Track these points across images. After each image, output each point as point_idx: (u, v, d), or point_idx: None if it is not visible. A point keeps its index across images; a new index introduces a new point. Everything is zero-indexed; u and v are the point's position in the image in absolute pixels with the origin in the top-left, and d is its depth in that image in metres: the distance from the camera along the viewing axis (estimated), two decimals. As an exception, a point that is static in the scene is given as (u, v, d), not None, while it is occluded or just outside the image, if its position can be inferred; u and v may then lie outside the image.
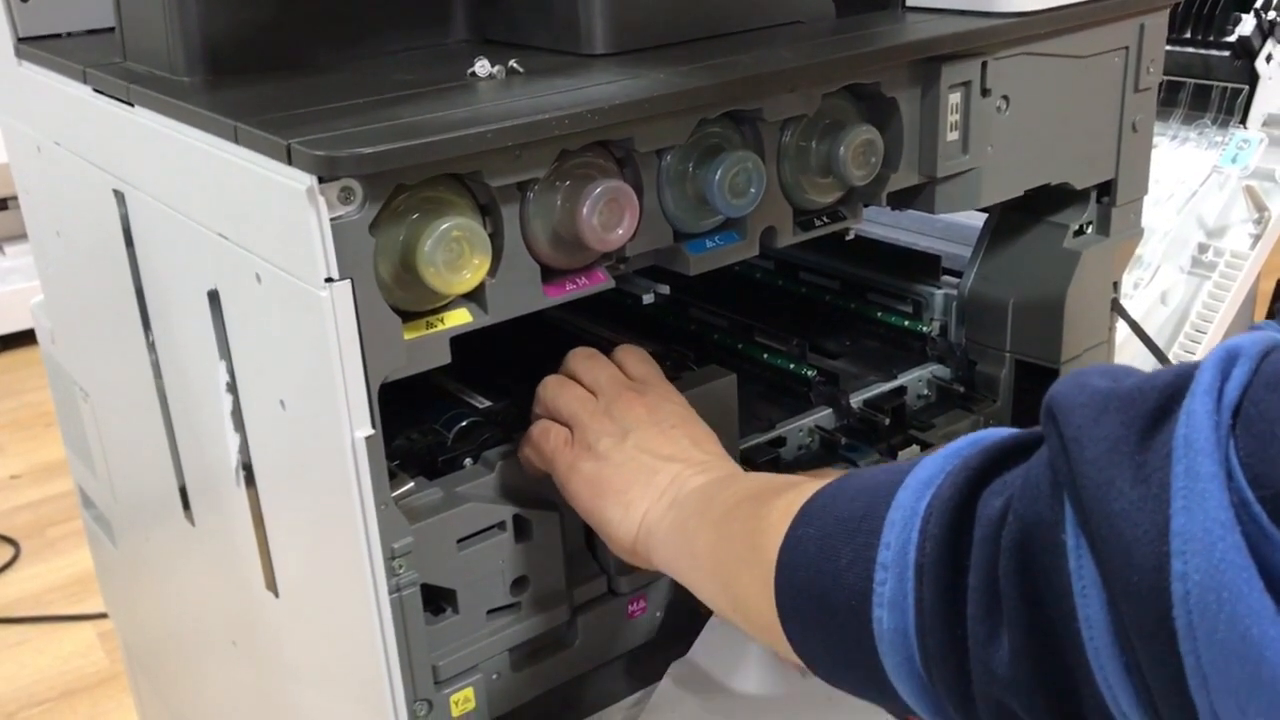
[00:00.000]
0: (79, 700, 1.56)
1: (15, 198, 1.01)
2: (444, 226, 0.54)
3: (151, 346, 0.77)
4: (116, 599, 1.20)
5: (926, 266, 0.93)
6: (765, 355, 0.88)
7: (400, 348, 0.55)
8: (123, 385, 0.88)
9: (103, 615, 1.69)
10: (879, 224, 1.05)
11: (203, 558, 0.82)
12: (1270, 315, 1.95)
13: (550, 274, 0.61)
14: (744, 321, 0.92)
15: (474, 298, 0.59)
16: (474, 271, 0.55)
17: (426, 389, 0.74)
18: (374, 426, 0.55)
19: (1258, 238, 1.16)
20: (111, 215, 0.75)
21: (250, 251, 0.58)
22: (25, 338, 2.63)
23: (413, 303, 0.57)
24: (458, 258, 0.54)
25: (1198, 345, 1.15)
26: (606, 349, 0.81)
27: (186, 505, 0.81)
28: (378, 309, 0.54)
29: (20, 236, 2.74)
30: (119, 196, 0.74)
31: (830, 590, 0.47)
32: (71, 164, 0.80)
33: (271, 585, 0.70)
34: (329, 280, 0.52)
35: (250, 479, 0.67)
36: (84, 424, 1.03)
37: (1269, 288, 1.97)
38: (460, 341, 0.58)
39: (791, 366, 0.86)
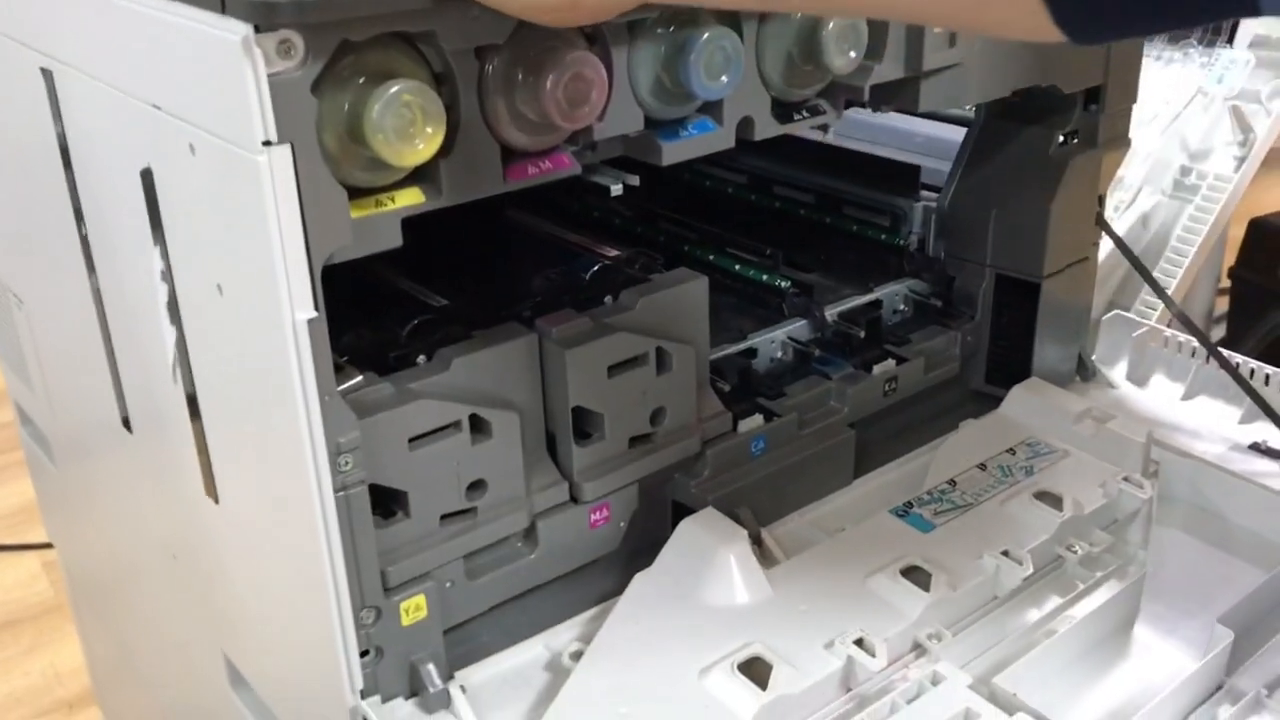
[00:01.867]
0: (22, 630, 1.51)
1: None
2: (395, 89, 0.49)
3: (84, 240, 0.72)
4: (57, 521, 1.16)
5: (905, 178, 0.89)
6: (738, 266, 0.84)
7: (346, 224, 0.51)
8: (56, 287, 0.83)
9: (46, 545, 1.64)
10: (856, 139, 1.01)
11: (141, 468, 0.78)
12: (1239, 262, 1.94)
13: (511, 156, 0.57)
14: (716, 233, 0.88)
15: (427, 177, 0.54)
16: (427, 142, 0.51)
17: (377, 287, 0.70)
18: (317, 309, 0.51)
19: (1242, 160, 1.13)
20: (40, 97, 0.70)
21: (184, 120, 0.53)
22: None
23: (361, 179, 0.52)
24: (409, 125, 0.50)
25: (1178, 269, 1.13)
26: (572, 253, 0.77)
27: (124, 412, 0.77)
28: (321, 178, 0.49)
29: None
30: (47, 76, 0.68)
31: None
32: (-3, 44, 0.75)
33: (211, 491, 0.66)
34: (267, 144, 0.47)
35: (188, 376, 0.63)
36: (18, 334, 0.98)
37: (1239, 234, 1.96)
38: (416, 239, 0.54)
39: (765, 277, 0.83)
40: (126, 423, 0.77)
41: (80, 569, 1.14)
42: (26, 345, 0.97)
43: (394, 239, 0.53)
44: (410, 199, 0.54)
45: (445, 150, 0.53)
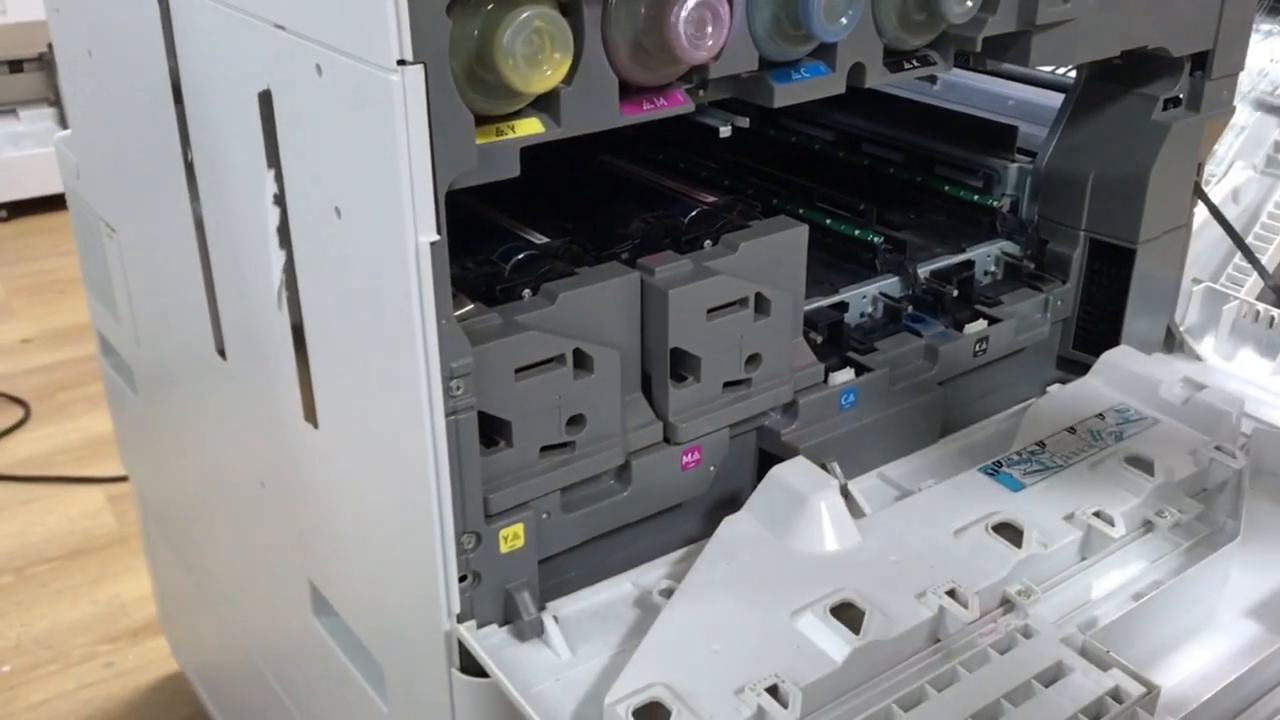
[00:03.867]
0: (88, 560, 1.54)
1: (31, 59, 0.96)
2: (526, 14, 0.49)
3: (189, 167, 0.73)
4: (134, 451, 1.18)
5: (1001, 138, 0.88)
6: (829, 220, 0.84)
7: (472, 148, 0.51)
8: (153, 216, 0.84)
9: (113, 479, 1.67)
10: (948, 100, 1.00)
11: (234, 395, 0.79)
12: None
13: (627, 91, 0.57)
14: (807, 186, 0.88)
15: (546, 108, 0.54)
16: (555, 69, 0.51)
17: (479, 223, 0.71)
18: (439, 233, 0.51)
19: (1339, 137, 1.11)
20: (152, 18, 0.70)
21: (311, 40, 0.53)
22: (39, 204, 2.59)
23: (484, 106, 0.53)
24: (538, 52, 0.50)
25: (1268, 245, 1.11)
26: (669, 198, 0.77)
27: (219, 340, 0.78)
28: (451, 101, 0.50)
29: (35, 100, 2.67)
30: (162, 3, 0.69)
31: None
32: (109, -31, 0.76)
33: (311, 416, 0.67)
34: (401, 63, 0.48)
35: (295, 301, 0.64)
36: (108, 263, 1.00)
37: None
38: (513, 180, 0.54)
39: (857, 232, 0.82)
40: (221, 350, 0.78)
41: (156, 499, 1.16)
42: (116, 275, 0.98)
43: (513, 167, 0.54)
44: (530, 128, 0.54)
45: (566, 81, 0.54)
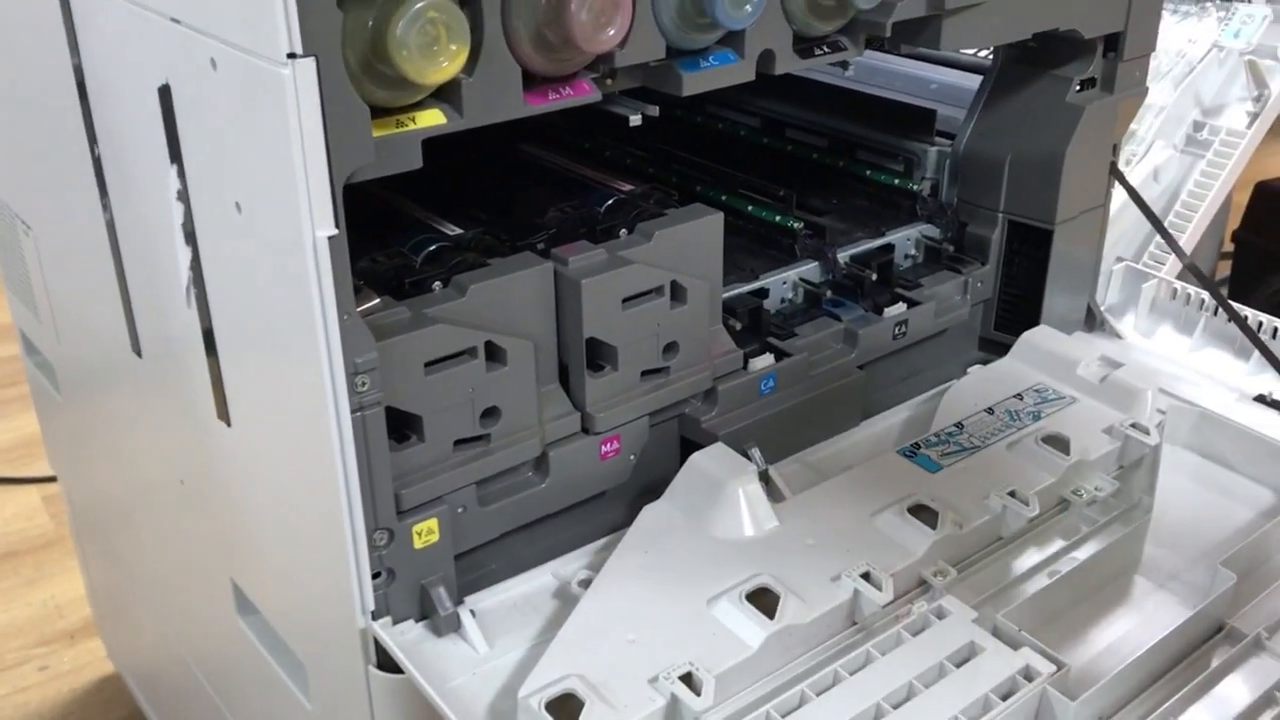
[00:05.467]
0: (22, 561, 1.52)
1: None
2: (419, 5, 0.49)
3: (97, 163, 0.72)
4: (61, 451, 1.16)
5: (920, 122, 0.89)
6: (750, 207, 0.84)
7: (368, 141, 0.51)
8: (67, 212, 0.83)
9: (47, 479, 1.64)
10: (871, 85, 1.00)
11: (151, 394, 0.78)
12: (1244, 226, 1.93)
13: (532, 81, 0.56)
14: (729, 173, 0.88)
15: (448, 99, 0.54)
16: (451, 60, 0.51)
17: (391, 214, 0.70)
18: (337, 226, 0.51)
19: (1255, 116, 1.12)
20: (53, 12, 0.69)
21: (205, 34, 0.53)
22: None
23: (383, 98, 0.52)
24: (433, 42, 0.50)
25: (1187, 224, 1.12)
26: (586, 187, 0.77)
27: (134, 338, 0.77)
28: (344, 93, 0.49)
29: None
30: (61, -6, 0.68)
31: None
32: (9, -39, 0.74)
33: (223, 414, 0.66)
34: (291, 56, 0.47)
35: (203, 298, 0.63)
36: (26, 262, 0.98)
37: (1243, 199, 1.96)
38: (429, 168, 0.54)
39: (778, 218, 0.82)
40: (137, 349, 0.77)
41: (84, 499, 1.14)
42: (34, 272, 0.96)
43: (414, 159, 0.53)
44: (431, 119, 0.53)
45: (467, 71, 0.53)
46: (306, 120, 0.48)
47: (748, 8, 0.59)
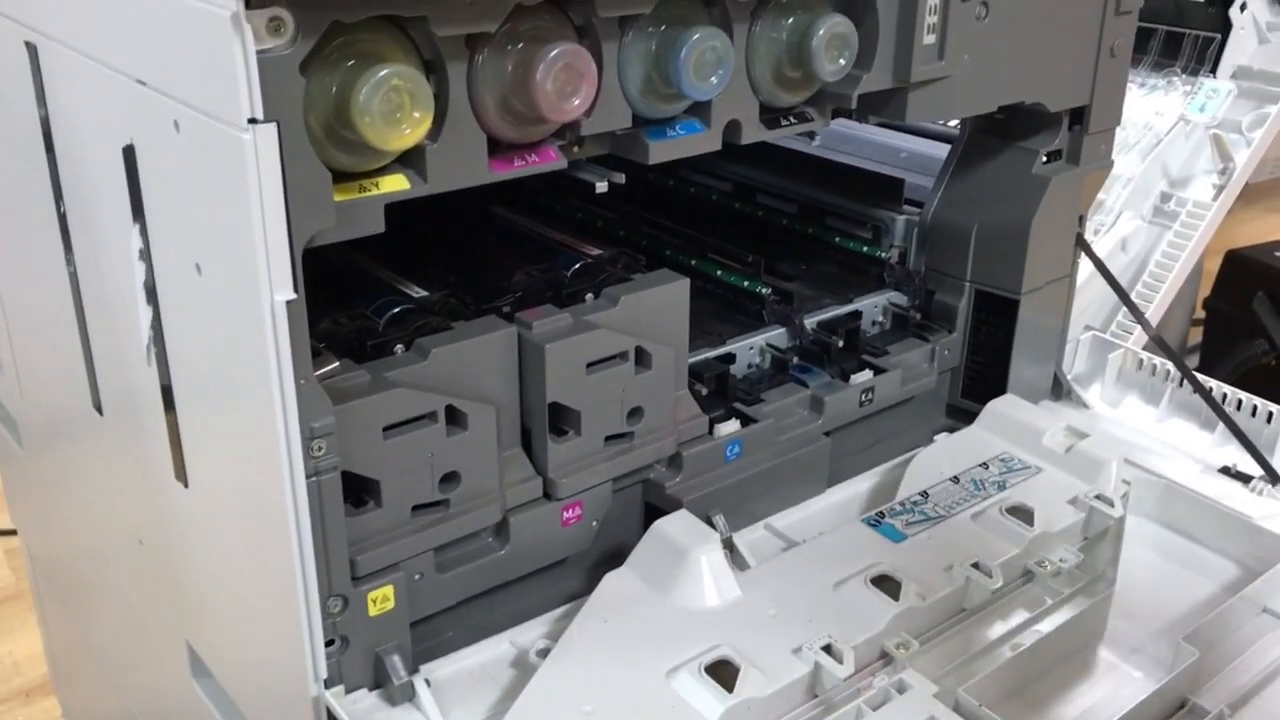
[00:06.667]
0: (-18, 617, 1.49)
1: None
2: (384, 72, 0.49)
3: (63, 219, 0.72)
4: (22, 506, 1.14)
5: (889, 191, 0.89)
6: (719, 272, 0.84)
7: (329, 206, 0.50)
8: (31, 267, 0.82)
9: (7, 532, 1.61)
10: (841, 152, 1.01)
11: (111, 451, 0.77)
12: (1214, 294, 1.95)
13: (498, 148, 0.57)
14: (699, 238, 0.88)
15: (413, 164, 0.54)
16: (414, 127, 0.51)
17: (357, 276, 0.70)
18: (296, 291, 0.50)
19: (1221, 189, 1.14)
20: (23, 72, 0.69)
21: (169, 96, 0.53)
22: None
23: (346, 163, 0.52)
24: (396, 109, 0.50)
25: (1155, 294, 1.13)
26: (555, 250, 0.77)
27: (95, 395, 0.76)
28: (305, 158, 0.49)
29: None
30: (31, 50, 0.68)
31: None
32: (-19, 18, 0.74)
33: (181, 475, 0.65)
34: (253, 121, 0.47)
35: (163, 358, 0.63)
36: (-9, 314, 0.97)
37: (1214, 267, 1.98)
38: (399, 230, 0.54)
39: (746, 284, 0.83)
40: (98, 406, 0.76)
41: (45, 555, 1.12)
42: (-1, 325, 0.96)
43: (376, 224, 0.53)
44: (394, 185, 0.54)
45: (432, 138, 0.53)
46: (267, 185, 0.48)
47: (713, 79, 0.60)
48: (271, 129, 0.48)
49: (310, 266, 0.51)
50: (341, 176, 0.52)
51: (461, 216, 0.80)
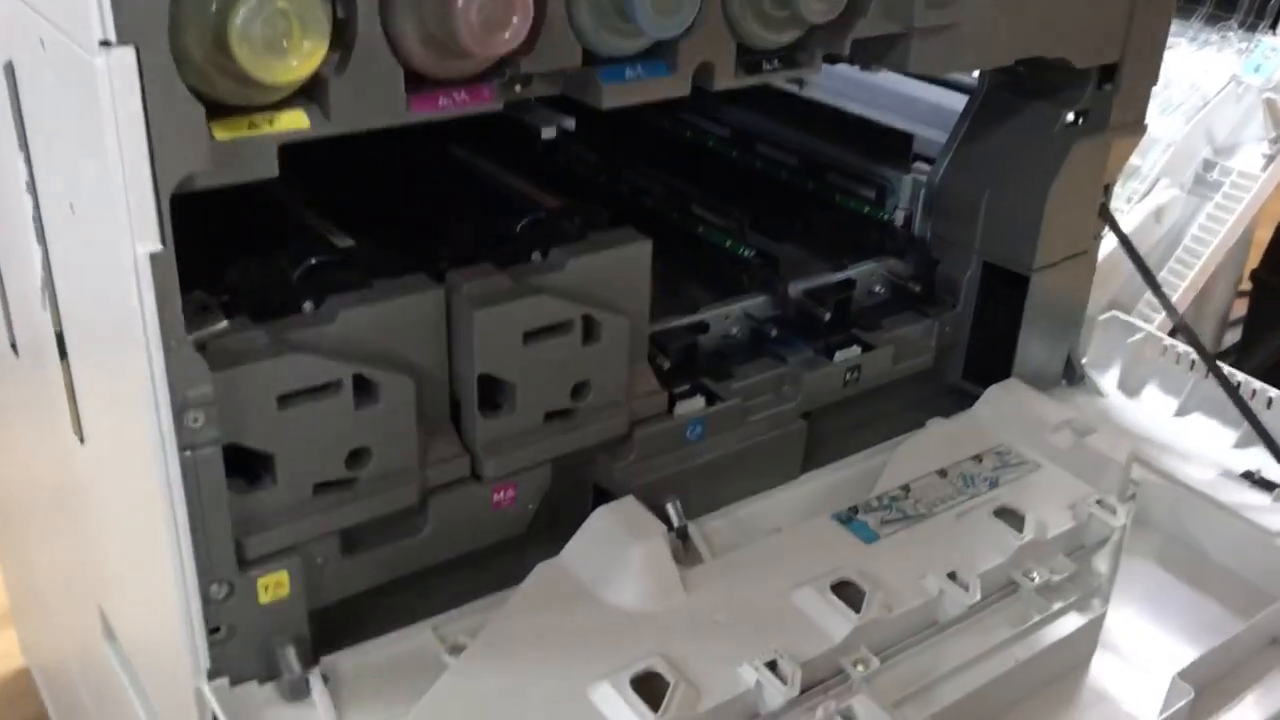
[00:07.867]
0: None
1: None
2: (265, -8, 0.42)
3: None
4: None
5: (896, 146, 0.81)
6: (701, 229, 0.77)
7: (204, 145, 0.44)
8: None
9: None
10: (853, 99, 0.93)
11: (24, 397, 0.72)
12: (1264, 265, 1.84)
13: (421, 83, 0.49)
14: (682, 189, 0.81)
15: (316, 99, 0.47)
16: (303, 60, 0.44)
17: (281, 218, 0.63)
18: (163, 243, 0.44)
19: (1271, 159, 1.04)
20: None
21: (35, 10, 0.46)
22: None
23: (235, 95, 0.45)
24: (283, 38, 0.43)
25: (1189, 271, 1.05)
26: (514, 199, 0.70)
27: (10, 332, 0.70)
28: (172, 89, 0.42)
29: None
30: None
31: None
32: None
33: (78, 429, 0.59)
34: (105, 44, 0.40)
35: (54, 299, 0.56)
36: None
37: (1265, 236, 1.86)
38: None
39: (727, 244, 0.75)
40: (14, 345, 0.71)
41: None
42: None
43: (268, 168, 0.46)
44: (291, 123, 0.47)
45: (338, 70, 0.46)
46: (124, 119, 0.41)
47: (676, 15, 0.52)
48: (128, 52, 0.41)
49: (223, 201, 0.45)
50: (227, 110, 0.45)
51: (412, 156, 0.73)
